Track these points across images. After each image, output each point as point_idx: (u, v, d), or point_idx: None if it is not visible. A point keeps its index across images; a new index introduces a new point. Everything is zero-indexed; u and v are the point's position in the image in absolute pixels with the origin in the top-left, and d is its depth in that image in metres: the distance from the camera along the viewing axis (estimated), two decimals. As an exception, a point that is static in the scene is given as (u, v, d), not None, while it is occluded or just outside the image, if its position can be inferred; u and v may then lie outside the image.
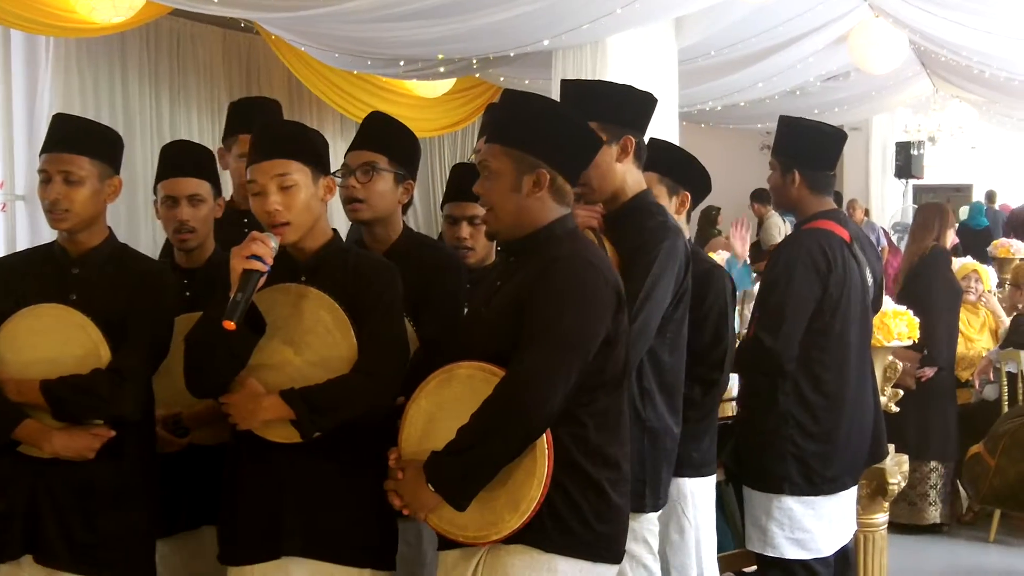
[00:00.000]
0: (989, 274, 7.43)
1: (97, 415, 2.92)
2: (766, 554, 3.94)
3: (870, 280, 4.08)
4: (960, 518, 6.55)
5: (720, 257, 5.57)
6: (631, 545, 3.07)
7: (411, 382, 2.80)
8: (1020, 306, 6.77)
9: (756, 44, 8.63)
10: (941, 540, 6.32)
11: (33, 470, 2.92)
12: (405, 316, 3.14)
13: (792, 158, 3.97)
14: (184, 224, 3.39)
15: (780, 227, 12.49)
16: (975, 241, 11.89)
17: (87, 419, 2.92)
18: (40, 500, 2.93)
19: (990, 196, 16.06)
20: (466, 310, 3.15)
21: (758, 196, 12.70)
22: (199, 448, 3.27)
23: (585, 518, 2.65)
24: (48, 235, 3.15)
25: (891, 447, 4.46)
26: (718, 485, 3.87)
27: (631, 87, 3.32)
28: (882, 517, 4.56)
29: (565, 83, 3.30)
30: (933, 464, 6.31)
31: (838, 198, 5.17)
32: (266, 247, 2.76)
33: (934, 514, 6.35)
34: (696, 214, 4.94)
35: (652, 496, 3.23)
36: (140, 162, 8.63)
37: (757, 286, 4.34)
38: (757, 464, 3.93)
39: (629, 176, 3.22)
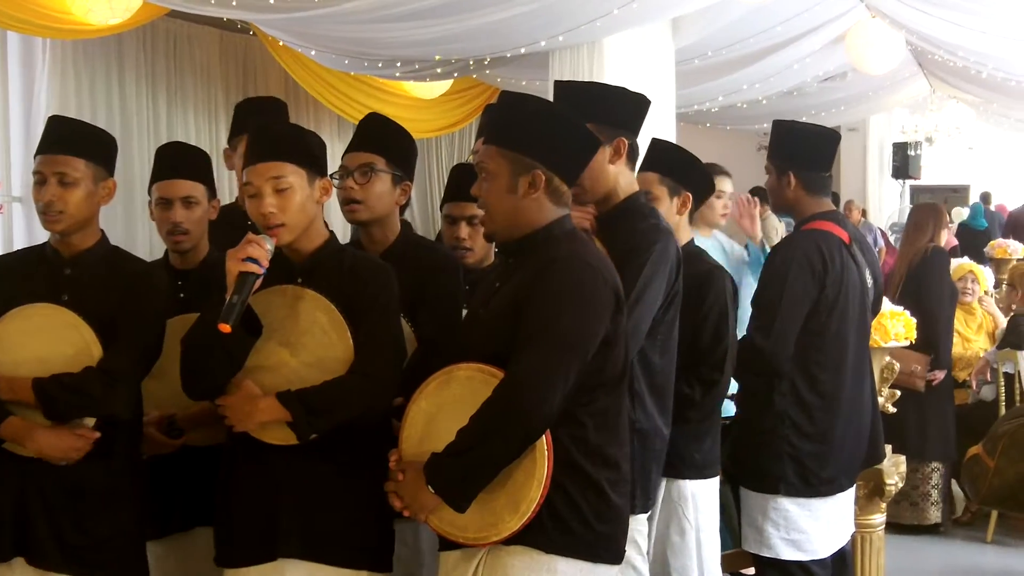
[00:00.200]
0: (986, 275, 7.44)
1: (88, 414, 2.93)
2: (762, 555, 3.95)
3: (870, 282, 4.08)
4: (957, 519, 6.56)
5: (727, 242, 5.38)
6: None
7: (410, 383, 2.80)
8: (1015, 306, 6.76)
9: (753, 45, 8.63)
10: (938, 541, 6.32)
11: (23, 471, 2.92)
12: (403, 317, 3.14)
13: (787, 160, 3.97)
14: (177, 226, 3.39)
15: (778, 228, 12.49)
16: (974, 242, 11.91)
17: (78, 418, 2.92)
18: (30, 501, 2.93)
19: (985, 198, 16.07)
20: (465, 311, 3.15)
21: (756, 194, 12.70)
22: (192, 449, 3.27)
23: (585, 518, 2.65)
24: (44, 237, 3.15)
25: (888, 448, 4.46)
26: (716, 485, 3.87)
27: (624, 89, 3.32)
28: (879, 518, 4.56)
29: (559, 84, 3.31)
30: (934, 464, 6.31)
31: (835, 199, 5.18)
32: (261, 249, 2.76)
33: (936, 514, 6.36)
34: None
35: (642, 497, 3.23)
36: (137, 163, 8.62)
37: None
38: (753, 464, 3.93)
39: (622, 178, 3.22)
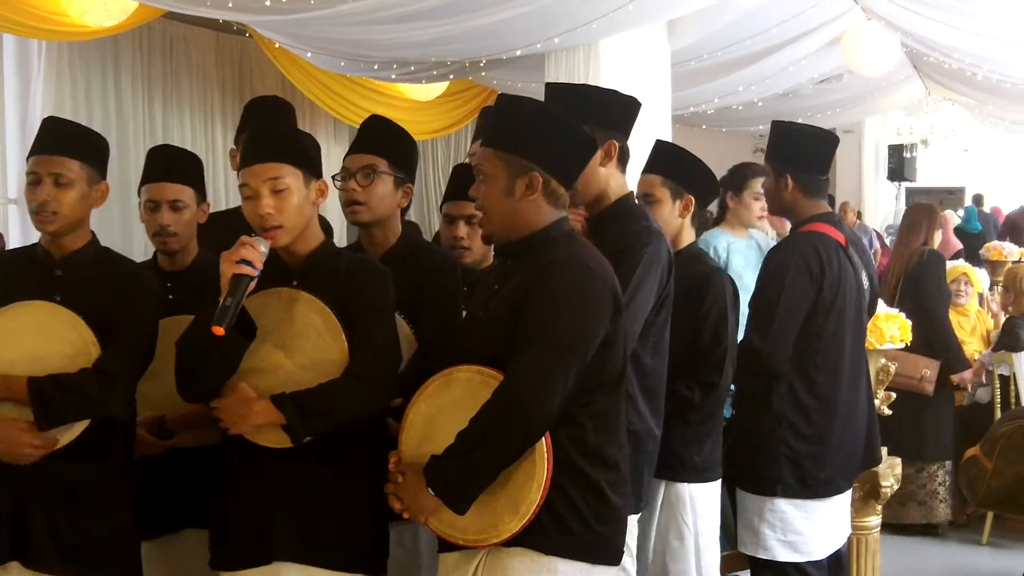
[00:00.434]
0: (981, 277, 7.45)
1: (85, 415, 2.92)
2: (758, 556, 3.95)
3: (866, 283, 4.08)
4: (953, 521, 6.56)
5: (765, 242, 5.28)
6: None
7: (411, 384, 2.80)
8: (1009, 309, 6.78)
9: (749, 47, 8.63)
10: (934, 542, 6.33)
11: (19, 472, 2.91)
12: (403, 318, 3.15)
13: (785, 162, 3.97)
14: (164, 228, 3.39)
15: (767, 229, 12.51)
16: (968, 244, 11.92)
17: (74, 419, 2.91)
18: (27, 502, 2.92)
19: (977, 199, 16.09)
20: (464, 313, 3.15)
21: None
22: (182, 451, 3.27)
23: (585, 519, 2.66)
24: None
25: (884, 450, 4.47)
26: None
27: (615, 91, 3.33)
28: (875, 520, 4.56)
29: (550, 86, 3.31)
30: (938, 463, 6.32)
31: (831, 201, 5.19)
32: (256, 251, 2.76)
33: (945, 511, 6.37)
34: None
35: (634, 498, 3.23)
36: (133, 165, 8.60)
37: None
38: (750, 466, 3.93)
39: (612, 180, 3.22)
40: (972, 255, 10.32)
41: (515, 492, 2.59)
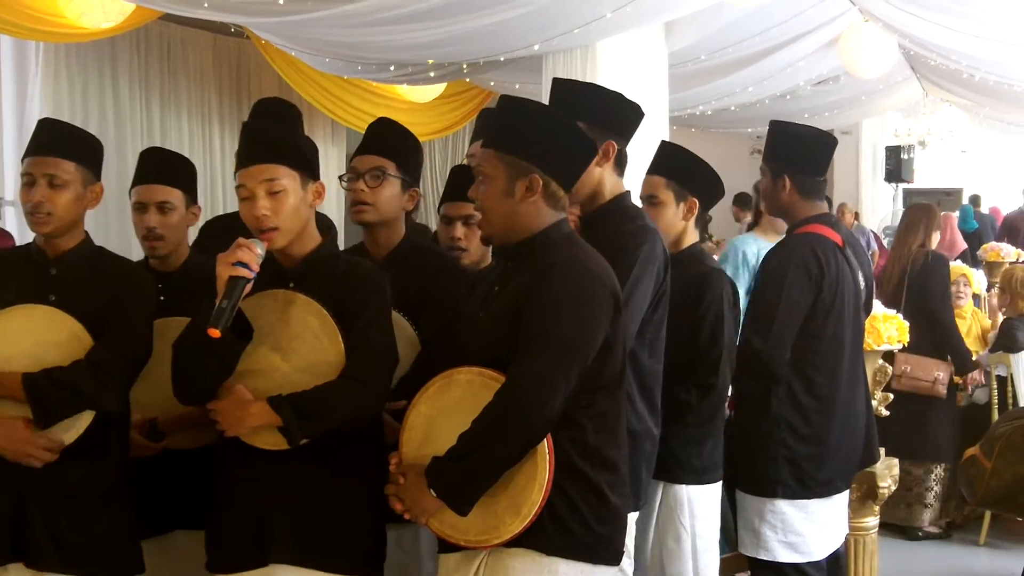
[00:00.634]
0: (977, 278, 7.45)
1: (78, 408, 2.92)
2: (759, 557, 3.94)
3: (862, 284, 4.09)
4: (951, 521, 6.56)
5: None
6: None
7: (415, 385, 2.81)
8: (1005, 310, 6.78)
9: (746, 48, 8.63)
10: (932, 543, 6.33)
11: (19, 473, 2.92)
12: (406, 319, 3.15)
13: (782, 163, 3.97)
14: (152, 231, 3.40)
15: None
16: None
17: (69, 413, 2.91)
18: (27, 503, 2.93)
19: (975, 200, 16.10)
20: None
21: (738, 200, 12.82)
22: (173, 452, 3.27)
23: (586, 520, 2.67)
24: (38, 242, 3.16)
25: (882, 450, 4.47)
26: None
27: (621, 94, 3.33)
28: (872, 520, 4.57)
29: (557, 82, 3.31)
30: (947, 464, 6.32)
31: (828, 202, 5.18)
32: (252, 253, 2.75)
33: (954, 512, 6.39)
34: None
35: (632, 497, 3.23)
36: (131, 167, 8.53)
37: None
38: (750, 467, 3.93)
39: (608, 180, 3.23)
40: (967, 255, 10.34)
41: (517, 493, 2.60)
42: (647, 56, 7.13)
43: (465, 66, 7.95)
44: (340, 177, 3.33)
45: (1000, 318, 7.10)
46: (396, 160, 3.36)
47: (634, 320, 3.08)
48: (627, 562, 3.28)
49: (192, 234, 3.78)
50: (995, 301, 7.42)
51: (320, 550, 2.85)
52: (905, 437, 5.94)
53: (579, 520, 2.66)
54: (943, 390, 6.16)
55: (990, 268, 8.81)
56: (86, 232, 3.14)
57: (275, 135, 2.99)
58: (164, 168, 3.48)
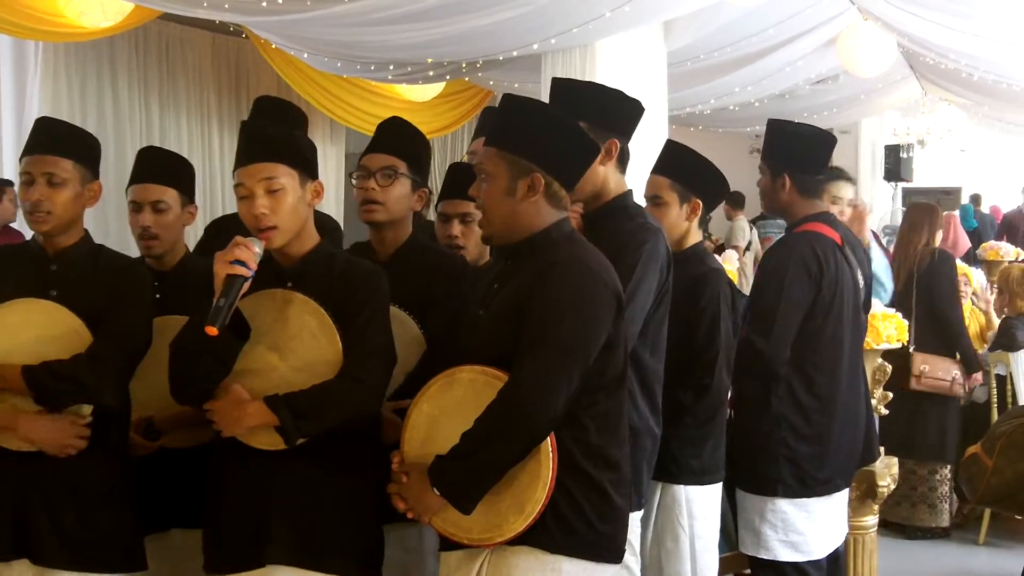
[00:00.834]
0: (976, 276, 7.45)
1: (77, 399, 2.93)
2: (759, 556, 3.94)
3: (861, 282, 4.09)
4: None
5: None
6: None
7: (421, 384, 2.80)
8: (1005, 310, 6.78)
9: (745, 48, 8.64)
10: (931, 542, 6.33)
11: (22, 470, 2.93)
12: (413, 318, 3.15)
13: (782, 162, 3.97)
14: (146, 230, 3.40)
15: (745, 231, 12.55)
16: (963, 243, 11.92)
17: (68, 405, 2.92)
18: (31, 500, 2.94)
19: (975, 199, 16.11)
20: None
21: (731, 199, 12.81)
22: (169, 451, 3.27)
23: (588, 519, 2.68)
24: (38, 240, 3.16)
25: (882, 449, 4.47)
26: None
27: (621, 92, 3.32)
28: (872, 519, 4.57)
29: (556, 81, 3.31)
30: (951, 466, 6.33)
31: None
32: (249, 252, 2.75)
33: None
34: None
35: (636, 496, 3.24)
36: (130, 166, 8.56)
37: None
38: (750, 467, 3.93)
39: (610, 178, 3.23)
40: (969, 254, 10.33)
41: (520, 492, 2.60)
42: (646, 55, 7.13)
43: (464, 65, 7.96)
44: (350, 175, 3.33)
45: (995, 316, 7.10)
46: (407, 159, 3.36)
47: (637, 319, 3.08)
48: (633, 560, 3.28)
49: (191, 233, 3.77)
50: (988, 303, 7.41)
51: (318, 550, 2.84)
52: (912, 436, 5.94)
53: (582, 519, 2.67)
54: (960, 390, 6.17)
55: (988, 267, 8.81)
56: (85, 229, 3.15)
57: (273, 134, 2.99)
58: (159, 167, 3.48)
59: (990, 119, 13.18)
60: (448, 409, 2.68)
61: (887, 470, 4.46)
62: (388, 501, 2.74)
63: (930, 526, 6.34)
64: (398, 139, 3.42)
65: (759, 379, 3.88)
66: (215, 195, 9.71)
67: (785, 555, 3.89)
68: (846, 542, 4.35)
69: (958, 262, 7.38)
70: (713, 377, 3.63)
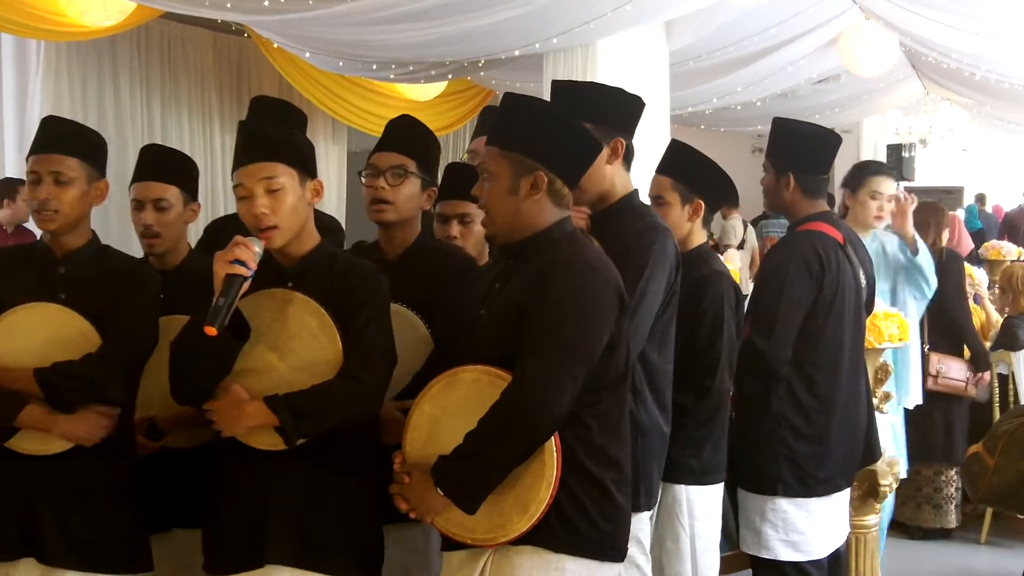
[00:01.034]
0: (979, 277, 7.44)
1: (87, 399, 2.94)
2: (760, 556, 3.95)
3: (863, 282, 4.08)
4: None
5: (892, 244, 5.18)
6: None
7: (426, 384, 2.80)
8: (1007, 309, 6.78)
9: (747, 47, 8.63)
10: (932, 542, 6.32)
11: (29, 470, 2.94)
12: (421, 318, 3.15)
13: (786, 161, 3.96)
14: (148, 228, 3.40)
15: (737, 230, 12.54)
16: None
17: (80, 404, 2.93)
18: (37, 499, 2.95)
19: (980, 199, 16.10)
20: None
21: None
22: (172, 451, 3.28)
23: (591, 518, 2.68)
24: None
25: (884, 448, 4.46)
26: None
27: (621, 89, 3.32)
28: (873, 519, 4.56)
29: (556, 84, 3.31)
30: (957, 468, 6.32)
31: (830, 200, 5.16)
32: (249, 251, 2.75)
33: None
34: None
35: (646, 496, 3.25)
36: (131, 166, 8.53)
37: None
38: (751, 466, 3.93)
39: (618, 178, 3.22)
40: (972, 253, 10.33)
41: (524, 492, 2.60)
42: (648, 55, 7.13)
43: (466, 64, 7.95)
44: (358, 173, 3.31)
45: (997, 315, 7.09)
46: (417, 159, 3.35)
47: (646, 321, 3.08)
48: (644, 560, 3.29)
49: (192, 232, 3.77)
50: (993, 302, 7.40)
51: (317, 551, 2.84)
52: (918, 437, 5.92)
53: (585, 518, 2.67)
54: (973, 390, 6.16)
55: (991, 266, 8.81)
56: (93, 231, 3.15)
57: (271, 133, 2.98)
58: (160, 165, 3.48)
59: (992, 119, 13.18)
60: (451, 409, 2.67)
61: (889, 469, 4.45)
62: (391, 501, 2.74)
63: (935, 527, 6.34)
64: (408, 138, 3.41)
65: (759, 378, 3.88)
66: (216, 194, 9.70)
67: (786, 555, 3.90)
68: (847, 541, 4.34)
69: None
70: (714, 380, 3.62)
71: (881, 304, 4.56)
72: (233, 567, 2.86)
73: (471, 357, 2.70)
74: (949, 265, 6.30)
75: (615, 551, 2.75)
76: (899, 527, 6.30)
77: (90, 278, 3.05)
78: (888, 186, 5.09)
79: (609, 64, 6.89)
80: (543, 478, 2.59)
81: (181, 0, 6.01)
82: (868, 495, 4.44)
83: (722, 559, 3.87)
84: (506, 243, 2.82)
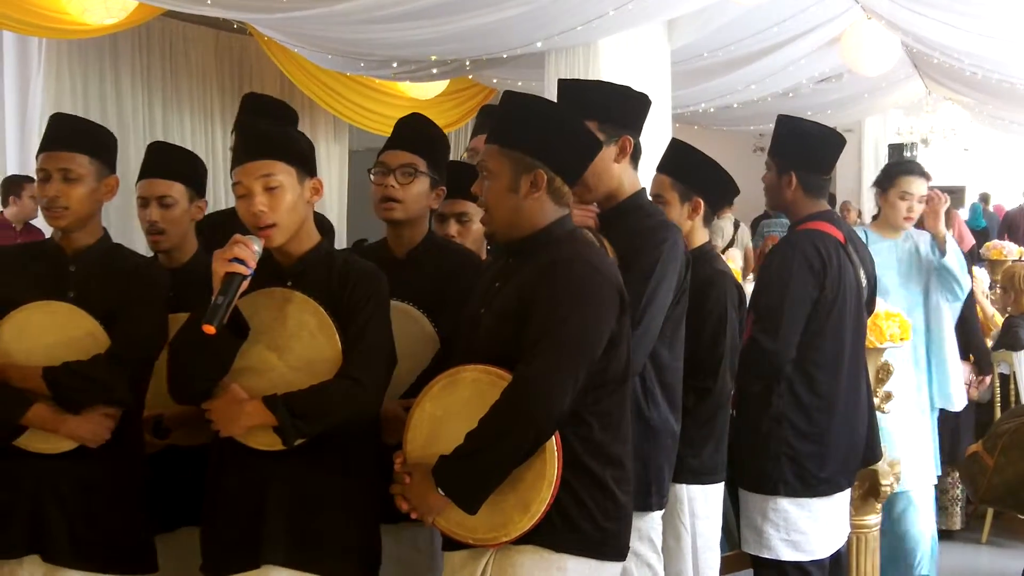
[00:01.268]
0: (981, 276, 7.44)
1: (96, 400, 2.93)
2: (761, 555, 3.94)
3: (864, 281, 4.08)
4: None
5: (925, 245, 5.09)
6: (636, 544, 3.09)
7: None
8: (1009, 309, 6.77)
9: (749, 46, 8.64)
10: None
11: (35, 469, 2.94)
12: (427, 316, 3.15)
13: (789, 160, 3.95)
14: (153, 225, 3.39)
15: (726, 231, 12.52)
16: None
17: (87, 405, 2.93)
18: (44, 498, 2.94)
19: (984, 198, 16.10)
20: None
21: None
22: (177, 449, 3.26)
23: (593, 517, 2.67)
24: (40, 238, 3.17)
25: (884, 448, 4.46)
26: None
27: (628, 88, 3.32)
28: (874, 519, 4.55)
29: (563, 82, 3.30)
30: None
31: (831, 199, 5.16)
32: (248, 250, 2.73)
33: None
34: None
35: (657, 495, 3.24)
36: (133, 163, 8.49)
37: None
38: (752, 466, 3.92)
39: (625, 176, 3.22)
40: (974, 252, 10.33)
41: (525, 491, 2.60)
42: (649, 53, 7.14)
43: (467, 63, 7.95)
44: (369, 170, 3.30)
45: (998, 316, 7.08)
46: (427, 157, 3.33)
47: (657, 320, 3.07)
48: (655, 559, 3.28)
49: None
50: (994, 301, 7.39)
51: (314, 552, 2.82)
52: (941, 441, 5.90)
53: (586, 517, 2.66)
54: (975, 393, 6.14)
55: (992, 266, 8.80)
56: (104, 229, 3.15)
57: (270, 131, 2.97)
58: (165, 162, 3.48)
59: (993, 118, 13.19)
60: (452, 409, 2.66)
61: (890, 469, 4.45)
62: (386, 502, 2.73)
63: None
64: (418, 136, 3.39)
65: (760, 378, 3.87)
66: (217, 192, 9.70)
67: (787, 554, 3.89)
68: (848, 541, 4.34)
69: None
70: (716, 381, 3.59)
71: (882, 304, 4.56)
72: (229, 568, 2.84)
73: (472, 356, 2.70)
74: None
75: (616, 550, 2.74)
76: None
77: (100, 276, 3.04)
78: (918, 186, 5.00)
79: (611, 63, 6.90)
80: (544, 477, 2.59)
81: (183, -2, 6.02)
82: (869, 495, 4.44)
83: (723, 558, 3.86)
84: (506, 241, 2.81)
